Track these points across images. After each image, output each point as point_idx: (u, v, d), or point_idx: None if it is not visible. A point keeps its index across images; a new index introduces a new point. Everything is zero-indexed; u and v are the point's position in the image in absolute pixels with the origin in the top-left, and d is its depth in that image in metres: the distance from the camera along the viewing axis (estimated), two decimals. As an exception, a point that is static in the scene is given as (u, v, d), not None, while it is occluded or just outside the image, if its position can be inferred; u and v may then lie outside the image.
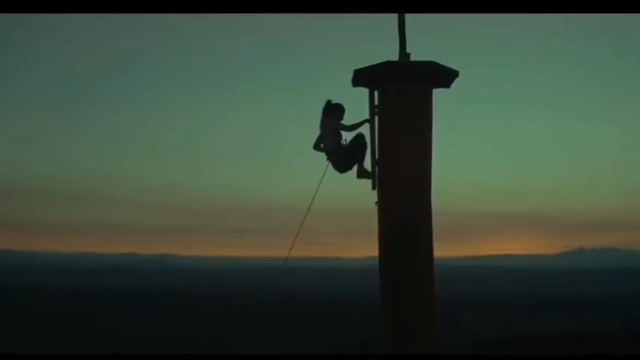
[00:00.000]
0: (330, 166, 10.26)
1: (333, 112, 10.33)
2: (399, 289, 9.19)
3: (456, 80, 9.66)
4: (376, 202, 9.57)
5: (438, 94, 9.57)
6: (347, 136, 10.21)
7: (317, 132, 10.45)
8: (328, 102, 10.39)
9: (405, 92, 9.33)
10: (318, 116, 10.41)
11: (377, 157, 9.67)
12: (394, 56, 9.58)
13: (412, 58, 9.55)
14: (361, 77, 9.64)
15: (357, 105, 10.03)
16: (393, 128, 9.39)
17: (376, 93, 9.66)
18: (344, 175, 10.17)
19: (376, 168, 9.69)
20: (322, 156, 10.37)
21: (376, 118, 9.66)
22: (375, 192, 9.64)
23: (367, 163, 9.93)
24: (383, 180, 9.51)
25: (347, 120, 10.32)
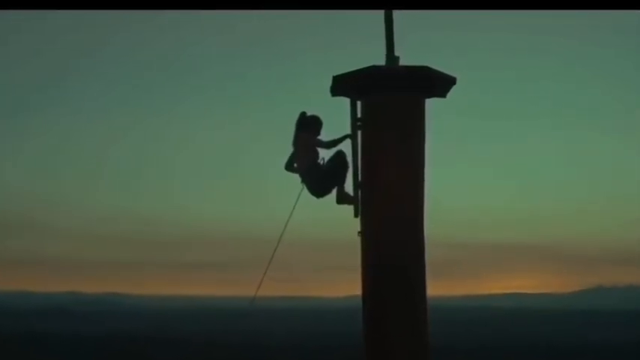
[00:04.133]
0: (305, 190, 10.22)
1: (308, 126, 10.31)
2: (386, 332, 9.15)
3: (453, 88, 9.67)
4: (359, 232, 9.53)
5: (431, 104, 9.59)
6: (325, 154, 10.19)
7: (290, 149, 10.42)
8: (302, 114, 10.37)
9: (393, 102, 9.32)
10: (291, 131, 10.39)
11: (360, 178, 9.64)
12: (380, 60, 9.57)
13: (401, 62, 9.55)
14: (342, 85, 9.61)
15: (337, 117, 10.02)
16: (379, 145, 9.37)
17: (359, 103, 9.64)
18: (321, 200, 10.14)
19: (359, 191, 9.65)
20: (296, 177, 10.33)
21: (359, 132, 9.64)
22: (358, 220, 9.60)
23: (349, 186, 9.90)
24: (367, 206, 9.47)
25: (325, 135, 10.31)
